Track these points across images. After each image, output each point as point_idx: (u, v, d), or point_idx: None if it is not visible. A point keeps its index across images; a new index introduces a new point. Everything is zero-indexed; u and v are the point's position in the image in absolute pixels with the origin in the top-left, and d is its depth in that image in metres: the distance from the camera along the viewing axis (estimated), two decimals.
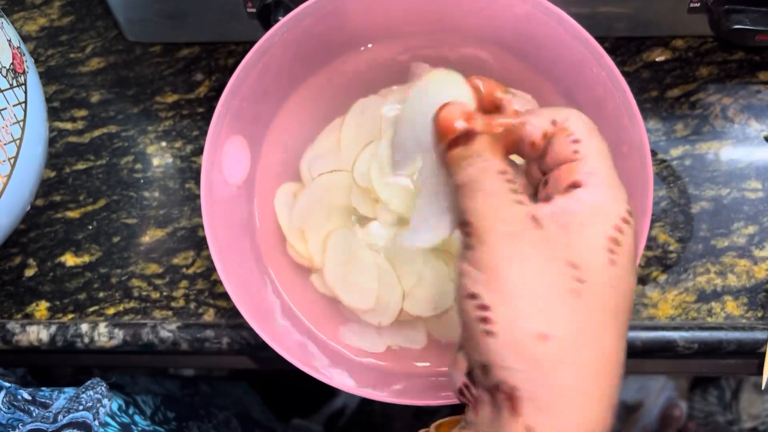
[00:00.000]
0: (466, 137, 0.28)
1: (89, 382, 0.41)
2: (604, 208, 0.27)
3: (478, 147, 0.28)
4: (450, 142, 0.28)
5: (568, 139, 0.28)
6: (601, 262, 0.26)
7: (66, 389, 0.42)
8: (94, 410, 0.38)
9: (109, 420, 0.42)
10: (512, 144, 0.29)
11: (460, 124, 0.28)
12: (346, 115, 0.43)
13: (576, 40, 0.38)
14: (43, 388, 0.42)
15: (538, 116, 0.29)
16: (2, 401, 0.38)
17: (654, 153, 0.48)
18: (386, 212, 0.42)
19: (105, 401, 0.40)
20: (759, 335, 0.44)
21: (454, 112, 0.28)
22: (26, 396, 0.40)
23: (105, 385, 0.41)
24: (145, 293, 0.49)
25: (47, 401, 0.41)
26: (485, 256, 0.26)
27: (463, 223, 0.27)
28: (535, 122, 0.29)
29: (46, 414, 0.38)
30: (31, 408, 0.39)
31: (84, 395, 0.40)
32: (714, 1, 0.43)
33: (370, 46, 0.44)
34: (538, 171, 0.30)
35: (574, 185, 0.27)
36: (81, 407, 0.39)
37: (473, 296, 0.26)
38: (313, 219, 0.43)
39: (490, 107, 0.30)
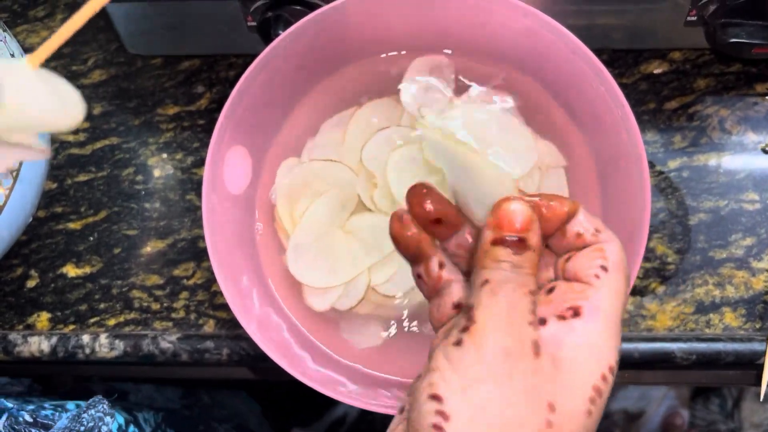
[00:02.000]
0: (516, 245, 0.26)
1: (91, 400, 0.42)
2: (598, 352, 0.26)
3: (522, 261, 0.26)
4: (499, 239, 0.27)
5: (596, 261, 0.27)
6: (579, 411, 0.25)
7: (68, 404, 0.43)
8: (95, 430, 0.38)
9: None
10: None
11: (518, 228, 0.26)
12: (357, 111, 0.44)
13: (575, 54, 0.39)
14: (45, 405, 0.42)
15: (586, 218, 0.28)
16: (3, 426, 0.38)
17: (652, 165, 0.48)
18: (385, 201, 0.42)
19: (107, 419, 0.40)
20: (757, 346, 0.45)
21: (518, 213, 0.27)
22: (28, 418, 0.40)
23: (107, 403, 0.41)
24: (145, 304, 0.49)
25: (49, 422, 0.41)
26: (472, 363, 0.24)
27: (468, 308, 0.26)
28: (582, 219, 0.28)
29: None
30: (32, 431, 0.39)
31: (85, 415, 0.40)
32: (711, 14, 0.44)
33: (371, 58, 0.44)
34: (551, 251, 0.29)
35: (576, 312, 0.26)
36: (82, 428, 0.39)
37: (437, 398, 0.24)
38: (298, 198, 0.43)
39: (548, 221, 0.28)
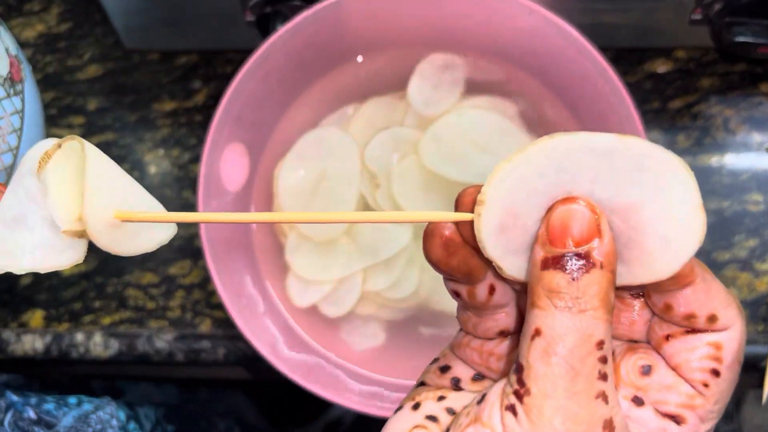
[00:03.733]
0: (576, 264, 0.20)
1: (99, 401, 0.41)
2: None
3: (585, 289, 0.20)
4: (550, 259, 0.20)
5: (706, 363, 0.21)
6: None
7: (70, 399, 0.42)
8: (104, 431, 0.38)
9: None
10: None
11: (576, 238, 0.20)
12: (359, 108, 0.43)
13: (580, 53, 0.38)
14: (47, 399, 0.42)
15: (704, 294, 0.22)
16: (8, 422, 0.38)
17: None
18: (387, 203, 0.42)
19: (114, 422, 0.39)
20: (760, 349, 0.44)
21: (576, 217, 0.20)
22: (32, 415, 0.39)
23: (114, 405, 0.41)
24: (141, 303, 0.48)
25: (52, 420, 0.40)
26: None
27: (519, 367, 0.20)
28: (697, 296, 0.21)
29: None
30: (36, 429, 0.39)
31: (93, 416, 0.39)
32: (716, 13, 0.43)
33: (371, 55, 0.43)
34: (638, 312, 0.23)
35: (677, 420, 0.21)
36: (90, 430, 0.38)
37: None
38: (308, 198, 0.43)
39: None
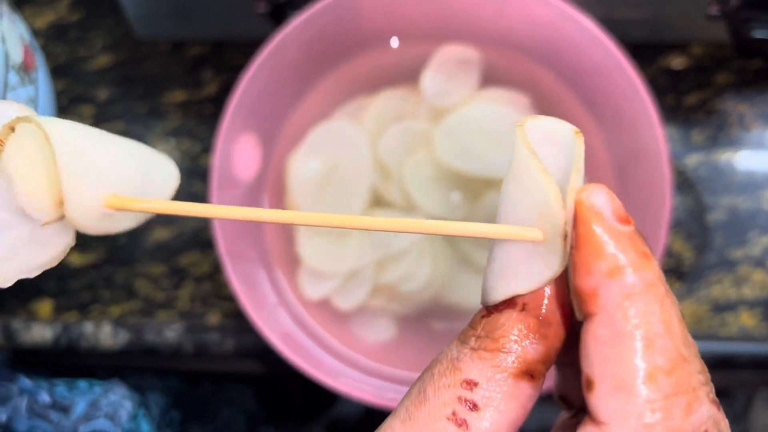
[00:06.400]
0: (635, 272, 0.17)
1: (108, 384, 0.41)
2: None
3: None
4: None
5: None
6: None
7: (80, 383, 0.42)
8: (115, 417, 0.38)
9: None
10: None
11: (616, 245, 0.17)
12: (372, 101, 0.43)
13: (596, 46, 0.38)
14: (58, 383, 0.42)
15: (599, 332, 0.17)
16: (25, 407, 0.38)
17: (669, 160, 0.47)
18: (398, 193, 0.41)
19: (126, 403, 0.39)
20: None
21: (601, 200, 0.18)
22: (46, 399, 0.39)
23: (124, 387, 0.41)
24: (149, 294, 0.48)
25: (66, 402, 0.40)
26: None
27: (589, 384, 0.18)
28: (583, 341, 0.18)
29: (66, 423, 0.38)
30: (51, 413, 0.39)
31: (103, 400, 0.39)
32: (733, 9, 0.43)
33: (384, 46, 0.43)
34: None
35: None
36: (101, 414, 0.38)
37: None
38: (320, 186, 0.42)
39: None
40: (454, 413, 0.18)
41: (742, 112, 0.48)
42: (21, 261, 0.21)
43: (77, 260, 0.49)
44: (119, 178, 0.20)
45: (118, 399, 0.40)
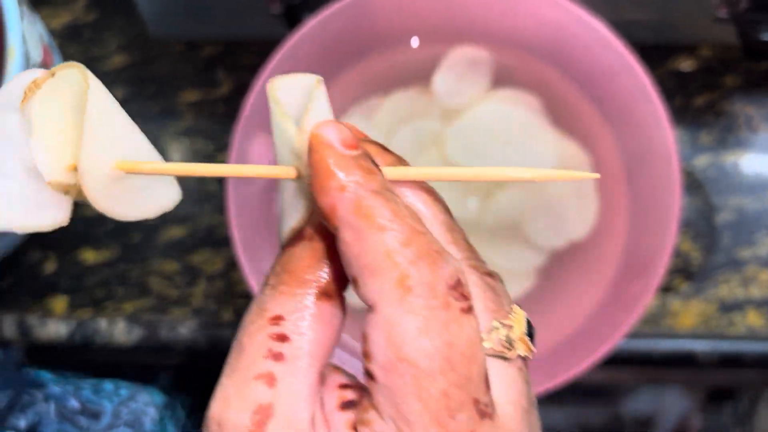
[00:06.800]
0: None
1: (135, 387, 0.41)
2: None
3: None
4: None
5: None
6: None
7: (106, 384, 0.42)
8: (136, 424, 0.38)
9: None
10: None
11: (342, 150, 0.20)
12: (384, 101, 0.43)
13: (606, 47, 0.38)
14: (82, 385, 0.42)
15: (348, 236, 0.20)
16: (53, 413, 0.38)
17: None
18: None
19: (150, 410, 0.40)
20: None
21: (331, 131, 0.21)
22: (75, 404, 0.40)
23: (150, 390, 0.41)
24: (163, 291, 0.49)
25: (95, 407, 0.41)
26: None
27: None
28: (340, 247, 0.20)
29: (95, 429, 0.38)
30: (81, 419, 0.39)
31: (131, 403, 0.40)
32: (742, 11, 0.43)
33: (396, 47, 0.44)
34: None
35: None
36: (121, 422, 0.39)
37: None
38: None
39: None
40: (269, 350, 0.19)
41: (750, 114, 0.49)
42: (11, 214, 0.20)
43: (91, 258, 0.50)
44: (133, 149, 0.21)
45: (141, 406, 0.40)
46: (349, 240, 0.19)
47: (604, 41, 0.38)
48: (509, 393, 0.20)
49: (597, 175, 0.21)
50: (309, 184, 0.20)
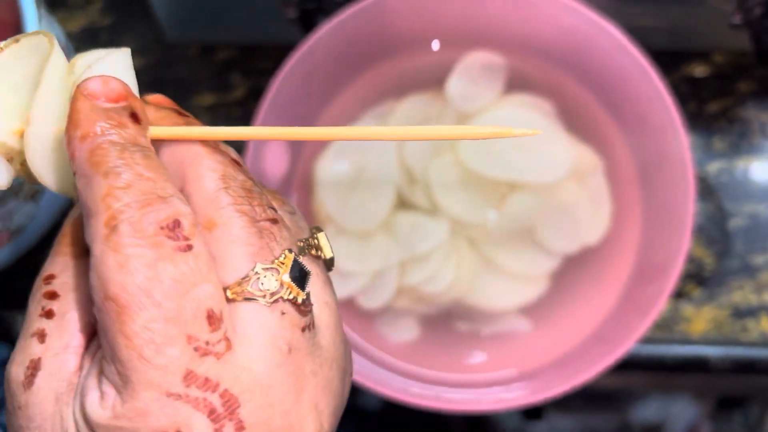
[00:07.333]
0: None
1: None
2: None
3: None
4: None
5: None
6: None
7: None
8: None
9: None
10: None
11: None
12: (398, 105, 0.44)
13: (621, 53, 0.38)
14: None
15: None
16: None
17: None
18: (423, 196, 0.42)
19: None
20: None
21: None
22: None
23: None
24: None
25: None
26: None
27: None
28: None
29: None
30: None
31: None
32: (757, 18, 0.43)
33: (410, 52, 0.44)
34: None
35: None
36: None
37: None
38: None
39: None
40: (42, 308, 0.21)
41: (763, 120, 0.49)
42: None
43: None
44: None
45: None
46: (80, 187, 0.20)
47: (619, 47, 0.39)
48: (259, 335, 0.20)
49: (540, 132, 0.22)
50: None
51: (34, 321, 0.21)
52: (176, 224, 0.20)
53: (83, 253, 0.22)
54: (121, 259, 0.19)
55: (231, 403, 0.19)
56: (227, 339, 0.20)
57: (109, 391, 0.19)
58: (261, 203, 0.22)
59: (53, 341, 0.21)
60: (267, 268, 0.20)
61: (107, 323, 0.19)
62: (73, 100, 0.21)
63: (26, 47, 0.21)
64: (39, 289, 0.22)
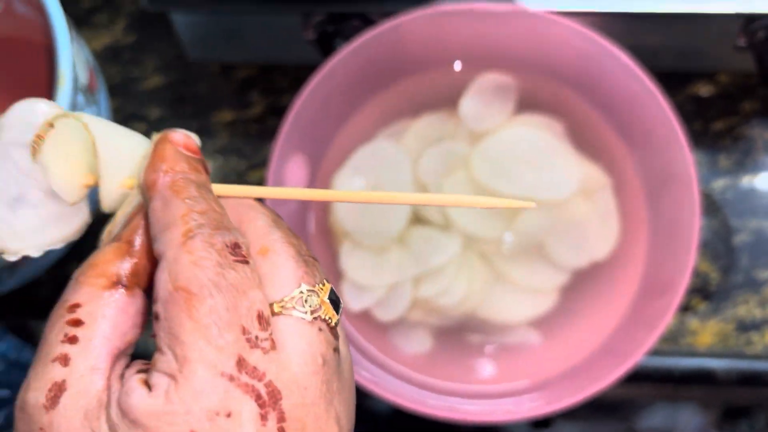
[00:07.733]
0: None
1: None
2: None
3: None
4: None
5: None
6: None
7: None
8: None
9: None
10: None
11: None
12: (413, 123, 0.45)
13: (630, 75, 0.40)
14: None
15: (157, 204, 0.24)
16: None
17: None
18: (436, 212, 0.44)
19: None
20: None
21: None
22: None
23: None
24: None
25: None
26: None
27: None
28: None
29: None
30: None
31: None
32: (760, 41, 0.45)
33: (425, 73, 0.46)
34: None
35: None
36: None
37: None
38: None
39: None
40: (65, 335, 0.22)
41: (767, 138, 0.50)
42: (50, 234, 0.25)
43: None
44: (134, 163, 0.25)
45: None
46: (157, 206, 0.23)
47: (626, 69, 0.40)
48: (299, 343, 0.22)
49: (533, 205, 0.25)
50: (140, 180, 0.25)
51: (55, 347, 0.22)
52: (237, 246, 0.23)
53: (112, 285, 0.23)
54: (194, 258, 0.22)
55: (275, 394, 0.21)
56: (272, 340, 0.22)
57: (161, 381, 0.21)
58: (302, 243, 0.25)
59: (78, 364, 0.22)
60: (310, 290, 0.23)
61: (173, 311, 0.21)
62: (161, 142, 0.25)
63: (60, 128, 0.25)
64: (61, 317, 0.23)
